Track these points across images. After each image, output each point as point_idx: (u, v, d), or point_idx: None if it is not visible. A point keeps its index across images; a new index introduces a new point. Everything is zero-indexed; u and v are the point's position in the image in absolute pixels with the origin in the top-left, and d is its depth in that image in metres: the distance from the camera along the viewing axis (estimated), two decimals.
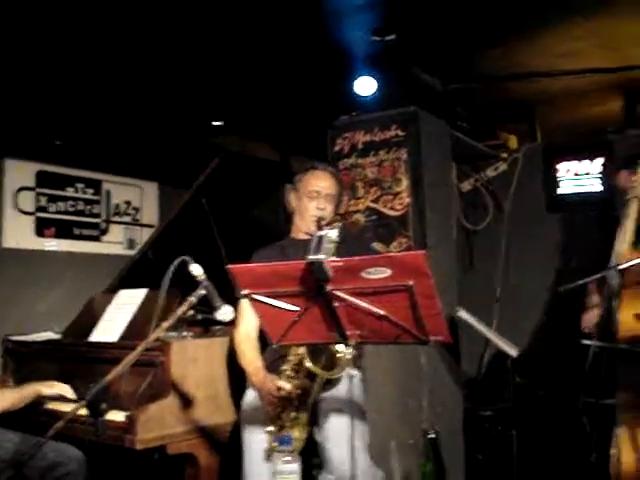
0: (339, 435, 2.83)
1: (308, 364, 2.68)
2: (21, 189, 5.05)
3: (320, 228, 2.89)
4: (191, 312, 3.20)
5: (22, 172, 5.07)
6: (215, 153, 4.23)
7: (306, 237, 3.05)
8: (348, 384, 2.37)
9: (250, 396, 3.13)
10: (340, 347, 2.51)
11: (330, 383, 2.81)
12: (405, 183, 4.39)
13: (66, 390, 3.62)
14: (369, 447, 2.98)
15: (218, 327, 3.77)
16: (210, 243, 4.17)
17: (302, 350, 2.77)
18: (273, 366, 2.96)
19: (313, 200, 3.10)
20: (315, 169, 3.20)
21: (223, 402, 3.48)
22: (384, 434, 3.04)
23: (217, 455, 3.40)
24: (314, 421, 3.00)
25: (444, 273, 4.54)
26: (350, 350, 2.49)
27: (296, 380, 2.80)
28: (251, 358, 3.07)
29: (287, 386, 2.77)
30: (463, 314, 4.00)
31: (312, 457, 3.08)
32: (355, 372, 2.41)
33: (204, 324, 3.76)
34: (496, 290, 5.38)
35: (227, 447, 3.46)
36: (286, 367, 2.85)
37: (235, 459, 3.44)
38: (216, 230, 4.17)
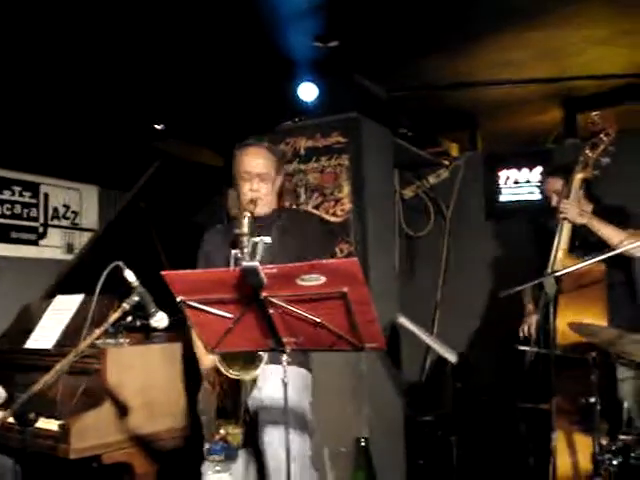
0: (277, 442, 2.81)
1: (223, 369, 2.66)
2: None
3: (253, 210, 2.81)
4: (129, 319, 3.16)
5: None
6: (157, 157, 4.19)
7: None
8: (282, 391, 2.33)
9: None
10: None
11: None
12: (347, 189, 4.41)
13: None
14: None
15: (158, 334, 3.72)
16: (150, 248, 4.13)
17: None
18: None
19: (246, 182, 2.97)
20: (247, 146, 3.05)
21: (160, 410, 3.44)
22: (319, 440, 3.03)
23: (154, 463, 3.36)
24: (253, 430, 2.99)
25: (385, 279, 4.57)
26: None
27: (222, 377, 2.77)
28: (201, 354, 3.01)
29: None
30: (403, 320, 4.02)
31: None
32: (291, 374, 2.36)
33: (144, 331, 3.71)
34: (436, 296, 5.43)
35: (164, 455, 3.43)
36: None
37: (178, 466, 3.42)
38: (156, 234, 4.12)
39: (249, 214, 2.77)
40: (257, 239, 2.09)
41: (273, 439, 2.85)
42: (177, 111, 4.80)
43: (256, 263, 2.04)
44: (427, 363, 5.25)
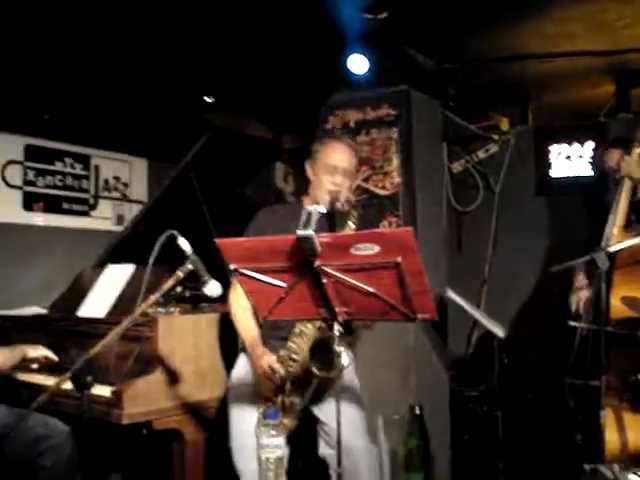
0: (333, 414, 2.83)
1: (313, 368, 2.66)
2: (9, 163, 5.00)
3: (334, 205, 2.86)
4: (179, 289, 3.20)
5: (10, 145, 5.02)
6: (205, 130, 4.21)
7: None
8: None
9: (240, 369, 3.12)
10: (340, 348, 2.47)
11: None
12: (396, 162, 4.39)
13: (50, 354, 3.62)
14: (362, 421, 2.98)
15: (206, 304, 3.77)
16: (199, 219, 4.16)
17: (305, 349, 2.76)
18: (269, 335, 2.94)
19: (330, 175, 2.97)
20: (335, 141, 3.09)
21: (210, 378, 3.48)
22: (370, 410, 3.05)
23: (203, 431, 3.41)
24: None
25: (433, 253, 4.55)
26: (349, 354, 2.49)
27: (291, 369, 2.80)
28: (247, 327, 3.03)
29: (281, 371, 2.75)
30: (451, 294, 4.00)
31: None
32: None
33: (192, 301, 3.76)
34: (484, 271, 5.38)
35: (214, 423, 3.48)
36: (284, 353, 2.84)
37: (222, 434, 3.46)
38: (205, 206, 4.15)
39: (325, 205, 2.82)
40: (311, 208, 2.09)
41: (326, 405, 2.91)
42: (227, 84, 4.81)
43: (310, 232, 2.04)
44: (473, 338, 5.22)
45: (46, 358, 3.54)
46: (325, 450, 3.01)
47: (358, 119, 4.54)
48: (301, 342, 2.81)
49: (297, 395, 2.86)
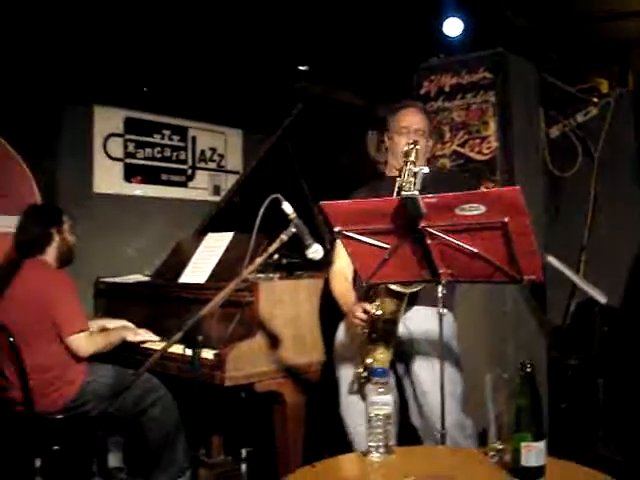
0: (430, 381, 2.85)
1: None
2: (110, 135, 5.15)
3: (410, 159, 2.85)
4: (276, 256, 3.26)
5: (111, 119, 5.16)
6: (298, 99, 4.23)
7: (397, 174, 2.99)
8: (437, 323, 2.35)
9: (341, 331, 3.19)
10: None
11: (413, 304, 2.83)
12: (493, 127, 4.32)
13: (150, 336, 3.78)
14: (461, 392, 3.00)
15: (300, 272, 3.82)
16: (295, 188, 4.20)
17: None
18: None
19: (403, 136, 3.06)
20: (403, 107, 3.21)
21: (308, 343, 3.55)
22: (470, 375, 3.04)
23: (303, 394, 3.48)
24: (406, 365, 3.04)
25: (531, 219, 4.46)
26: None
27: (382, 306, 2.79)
28: (343, 291, 3.12)
29: (370, 308, 2.76)
30: (552, 260, 3.93)
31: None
32: (446, 311, 2.38)
33: (287, 269, 3.82)
34: (583, 238, 5.25)
35: (313, 386, 3.54)
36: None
37: (322, 398, 3.52)
38: (301, 175, 4.18)
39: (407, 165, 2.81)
40: (416, 169, 2.09)
41: (423, 371, 2.91)
42: (321, 52, 4.80)
43: (416, 192, 2.04)
44: (572, 305, 5.11)
45: (144, 342, 3.72)
46: (417, 420, 3.03)
47: (453, 84, 4.47)
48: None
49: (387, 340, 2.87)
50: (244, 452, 4.50)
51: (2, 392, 3.50)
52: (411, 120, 3.12)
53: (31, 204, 4.22)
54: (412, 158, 2.70)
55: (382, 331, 2.80)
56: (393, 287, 2.66)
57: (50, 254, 3.64)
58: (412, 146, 2.80)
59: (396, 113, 3.19)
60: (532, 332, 4.51)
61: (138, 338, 3.77)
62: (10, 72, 4.38)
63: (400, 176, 2.74)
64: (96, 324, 3.91)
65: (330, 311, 3.45)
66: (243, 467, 4.43)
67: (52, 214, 3.74)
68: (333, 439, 3.37)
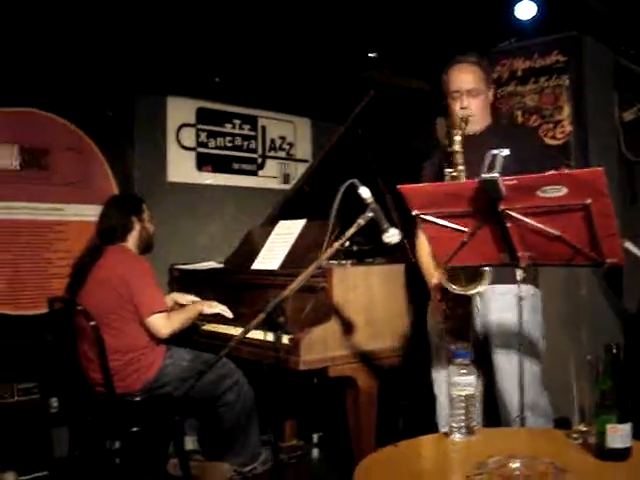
0: (509, 366, 2.83)
1: (447, 286, 2.73)
2: (183, 125, 5.25)
3: (464, 129, 2.84)
4: (347, 243, 3.28)
5: (183, 109, 5.26)
6: (367, 86, 4.22)
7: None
8: (516, 307, 2.34)
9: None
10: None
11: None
12: (567, 111, 4.25)
13: (224, 309, 3.86)
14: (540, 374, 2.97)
15: (370, 260, 3.84)
16: (366, 175, 4.19)
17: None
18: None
19: (456, 100, 2.98)
20: (453, 64, 3.06)
21: (382, 329, 3.56)
22: (550, 358, 3.03)
23: (376, 379, 3.50)
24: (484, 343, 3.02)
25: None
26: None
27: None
28: (428, 267, 3.09)
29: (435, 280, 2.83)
30: (629, 245, 3.85)
31: None
32: (525, 293, 2.36)
33: (358, 256, 3.84)
34: None
35: (385, 372, 3.56)
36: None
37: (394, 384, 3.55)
38: (373, 161, 4.18)
39: (460, 132, 2.79)
40: (495, 151, 2.07)
41: (504, 360, 2.90)
42: (389, 39, 4.79)
43: (496, 175, 2.02)
44: None
45: (219, 314, 3.81)
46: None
47: (526, 67, 4.42)
48: None
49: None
50: (315, 437, 4.57)
51: (85, 374, 3.62)
52: (463, 80, 2.98)
53: (114, 194, 4.39)
54: (457, 148, 2.69)
55: (457, 324, 2.82)
56: (454, 289, 2.71)
57: (130, 241, 3.76)
58: (463, 121, 2.79)
59: (447, 73, 3.05)
60: (607, 318, 4.44)
61: (214, 310, 3.87)
62: (86, 65, 4.51)
63: (451, 144, 2.75)
64: (169, 298, 4.03)
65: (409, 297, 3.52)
66: (314, 452, 4.50)
67: (133, 203, 3.87)
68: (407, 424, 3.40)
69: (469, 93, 2.96)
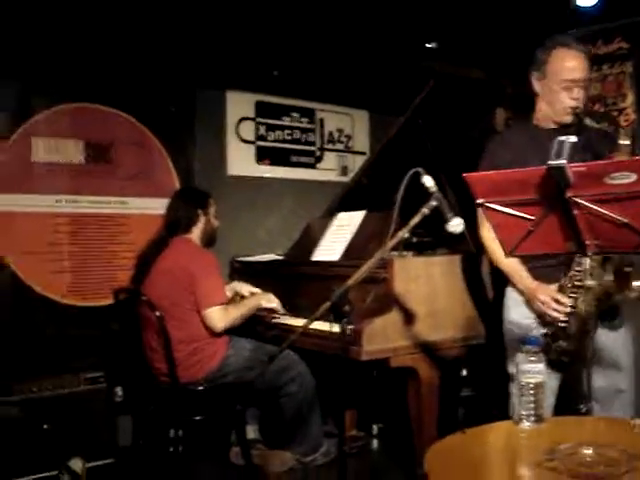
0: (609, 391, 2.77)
1: (589, 282, 2.54)
2: (242, 119, 5.31)
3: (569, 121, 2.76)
4: (407, 234, 3.27)
5: (242, 103, 5.32)
6: (425, 78, 4.21)
7: (554, 126, 2.86)
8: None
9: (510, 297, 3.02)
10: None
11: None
12: (631, 98, 4.17)
13: (279, 306, 3.88)
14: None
15: (429, 251, 3.82)
16: (424, 166, 4.17)
17: (587, 263, 2.56)
18: (545, 272, 2.79)
19: (568, 91, 2.77)
20: (565, 48, 2.82)
21: (443, 320, 3.56)
22: None
23: (437, 370, 3.50)
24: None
25: None
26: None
27: (576, 295, 2.62)
28: (513, 266, 2.90)
29: (565, 300, 2.63)
30: None
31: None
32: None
33: (418, 248, 3.83)
34: None
35: (447, 363, 3.55)
36: (566, 281, 2.67)
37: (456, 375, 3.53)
38: (432, 153, 4.17)
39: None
40: (563, 137, 2.04)
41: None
42: (448, 28, 4.75)
43: (564, 161, 2.00)
44: None
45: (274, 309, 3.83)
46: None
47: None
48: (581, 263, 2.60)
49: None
50: (375, 428, 4.58)
51: (149, 363, 3.70)
52: (581, 70, 2.77)
53: (181, 187, 4.47)
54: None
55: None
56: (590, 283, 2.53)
57: (195, 234, 3.83)
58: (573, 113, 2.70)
59: (558, 58, 2.82)
60: None
61: (272, 305, 3.89)
62: (149, 63, 4.60)
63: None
64: (229, 287, 4.10)
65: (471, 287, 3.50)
66: (374, 443, 4.51)
67: (199, 197, 3.94)
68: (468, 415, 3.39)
69: (580, 83, 2.79)
